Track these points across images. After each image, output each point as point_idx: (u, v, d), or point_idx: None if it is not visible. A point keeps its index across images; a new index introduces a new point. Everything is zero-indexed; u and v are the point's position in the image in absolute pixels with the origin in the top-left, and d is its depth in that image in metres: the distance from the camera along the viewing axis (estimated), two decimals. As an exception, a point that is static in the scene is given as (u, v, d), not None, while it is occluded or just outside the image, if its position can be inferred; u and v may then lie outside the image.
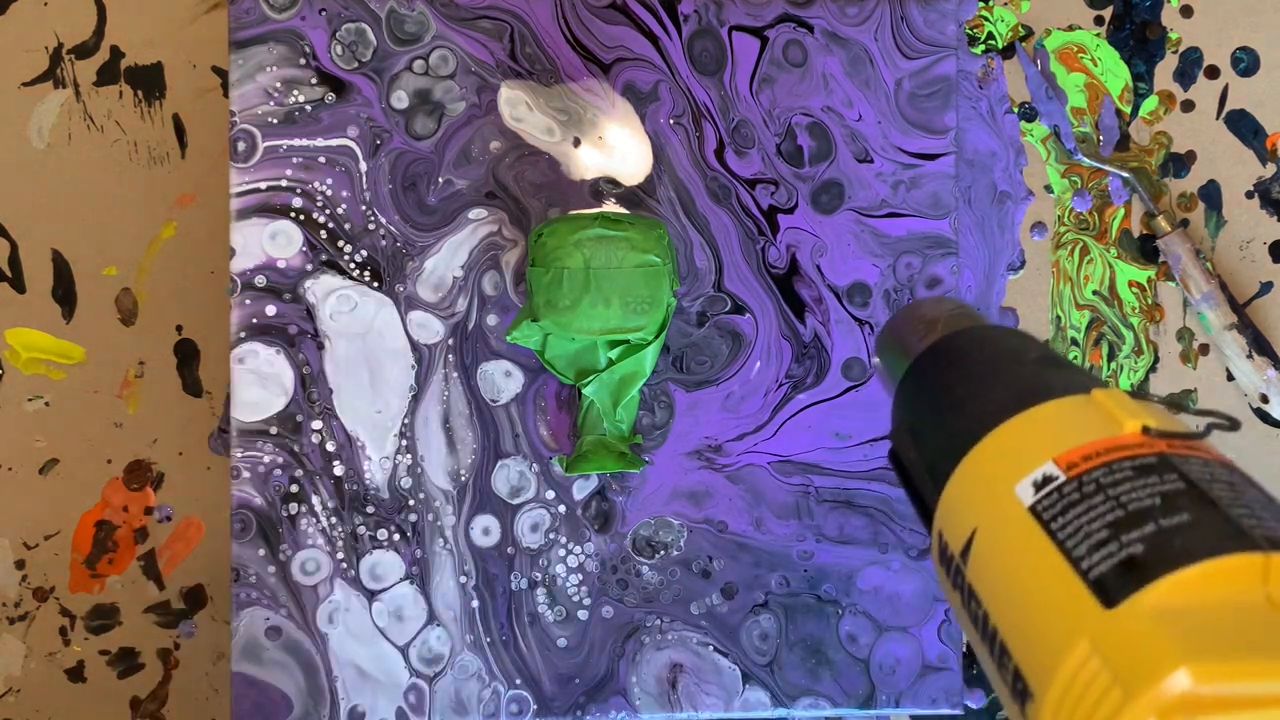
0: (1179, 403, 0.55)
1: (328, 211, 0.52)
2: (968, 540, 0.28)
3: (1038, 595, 0.25)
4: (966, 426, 0.30)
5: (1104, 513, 0.25)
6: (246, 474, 0.51)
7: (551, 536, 0.52)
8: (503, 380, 0.53)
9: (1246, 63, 0.56)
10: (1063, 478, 0.26)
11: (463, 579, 0.52)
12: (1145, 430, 0.27)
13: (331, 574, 0.52)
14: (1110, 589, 0.23)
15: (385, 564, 0.52)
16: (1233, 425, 0.28)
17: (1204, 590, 0.22)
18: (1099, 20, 0.56)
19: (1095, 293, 0.56)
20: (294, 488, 0.52)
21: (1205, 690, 0.20)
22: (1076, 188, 0.56)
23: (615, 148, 0.53)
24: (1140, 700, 0.20)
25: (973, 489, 0.29)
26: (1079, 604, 0.23)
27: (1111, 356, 0.56)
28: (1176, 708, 0.20)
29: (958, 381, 0.34)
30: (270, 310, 0.52)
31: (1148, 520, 0.24)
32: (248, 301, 0.52)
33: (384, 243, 0.52)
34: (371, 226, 0.52)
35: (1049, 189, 0.56)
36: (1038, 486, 0.27)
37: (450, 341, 0.52)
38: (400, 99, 0.53)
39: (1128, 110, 0.56)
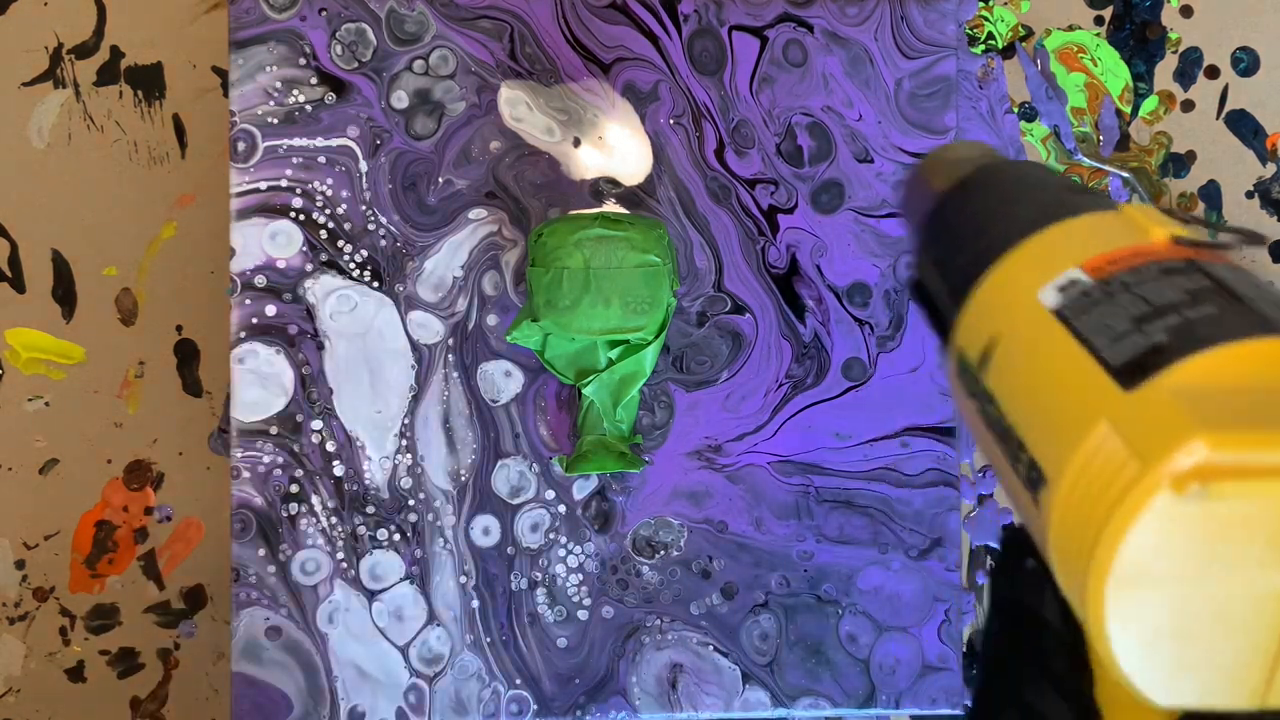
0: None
1: (328, 211, 0.52)
2: (986, 348, 0.28)
3: (1057, 387, 0.25)
4: (991, 245, 0.30)
5: (1128, 307, 0.24)
6: (246, 474, 0.51)
7: (551, 536, 0.52)
8: (503, 380, 0.53)
9: (1246, 63, 0.56)
10: (1088, 281, 0.26)
11: (463, 579, 0.52)
12: (1175, 240, 0.27)
13: (331, 574, 0.52)
14: (1131, 372, 0.23)
15: (385, 564, 0.52)
16: (1260, 240, 0.28)
17: (1226, 373, 0.22)
18: (1099, 20, 0.56)
19: (1095, 292, 0.56)
20: (294, 488, 0.52)
21: (1221, 459, 0.20)
22: (1076, 188, 0.56)
23: (615, 148, 0.53)
24: (1156, 470, 0.20)
25: (995, 299, 0.29)
26: (1099, 389, 0.23)
27: (1111, 356, 0.56)
28: (1192, 476, 0.20)
29: (984, 208, 0.33)
30: (270, 310, 0.52)
31: (1172, 312, 0.24)
32: (248, 301, 0.52)
33: (384, 243, 0.52)
34: (371, 226, 0.52)
35: (1049, 189, 0.56)
36: (1062, 290, 0.26)
37: (450, 341, 0.52)
38: (400, 99, 0.53)
39: (1128, 110, 0.56)
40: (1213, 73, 0.56)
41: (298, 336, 0.52)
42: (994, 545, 0.55)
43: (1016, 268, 0.29)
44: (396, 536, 0.52)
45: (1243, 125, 0.56)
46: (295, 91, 0.52)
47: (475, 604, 0.52)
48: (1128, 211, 0.28)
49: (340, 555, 0.52)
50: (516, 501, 0.52)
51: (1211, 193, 0.56)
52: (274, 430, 0.52)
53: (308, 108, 0.52)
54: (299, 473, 0.52)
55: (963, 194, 0.36)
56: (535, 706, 0.52)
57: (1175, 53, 0.56)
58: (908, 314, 0.53)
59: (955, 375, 0.30)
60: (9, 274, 0.54)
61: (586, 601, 0.52)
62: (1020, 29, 0.56)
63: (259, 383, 0.52)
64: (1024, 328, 0.27)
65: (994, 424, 0.27)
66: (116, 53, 0.54)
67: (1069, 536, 0.22)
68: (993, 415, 0.27)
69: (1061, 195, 0.31)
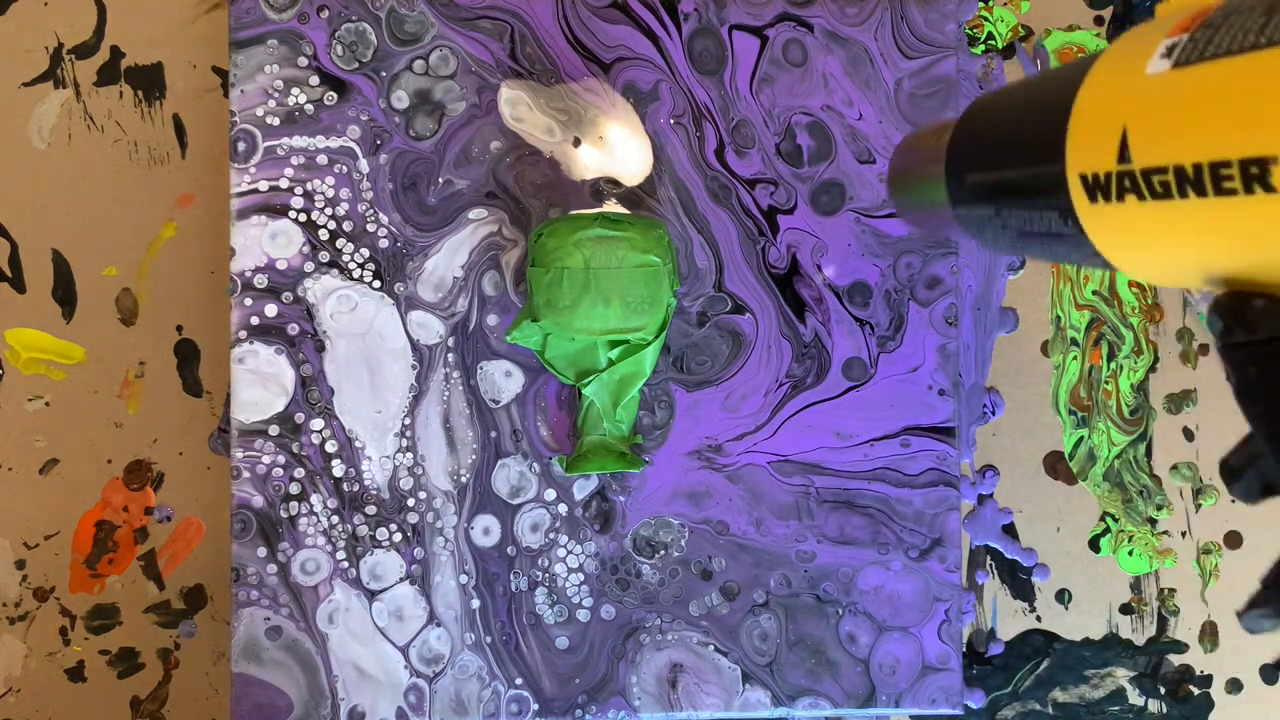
0: None
1: (328, 212, 0.52)
2: (1120, 143, 0.28)
3: (1241, 95, 0.25)
4: (1058, 92, 0.31)
5: (1247, 14, 0.25)
6: (246, 474, 0.51)
7: (551, 536, 0.52)
8: (503, 380, 0.53)
9: (1246, 63, 0.56)
10: (1187, 35, 0.27)
11: (463, 579, 0.52)
12: None
13: (331, 574, 0.52)
14: None
15: (385, 564, 0.52)
16: None
17: None
18: (1099, 20, 0.56)
19: (1095, 293, 0.56)
20: (294, 488, 0.52)
21: None
22: (1076, 188, 0.56)
23: (615, 148, 0.53)
24: None
25: (1098, 105, 0.29)
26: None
27: (1111, 356, 0.56)
28: None
29: (1022, 91, 0.34)
30: (270, 310, 0.52)
31: None
32: (248, 301, 0.52)
33: (384, 243, 0.52)
34: (371, 227, 0.52)
35: (1049, 189, 0.56)
36: (1169, 52, 0.27)
37: (450, 341, 0.52)
38: (400, 99, 0.53)
39: (1128, 110, 0.56)
40: (1213, 73, 0.56)
41: (298, 336, 0.52)
42: (994, 545, 0.55)
43: (1101, 83, 0.29)
44: (397, 536, 0.52)
45: (1243, 125, 0.56)
46: (295, 91, 0.52)
47: (475, 604, 0.52)
48: (1161, 8, 0.29)
49: (340, 555, 0.52)
50: (516, 501, 0.52)
51: (1211, 193, 0.56)
52: (274, 430, 0.52)
53: (308, 108, 0.52)
54: (299, 473, 0.52)
55: (979, 114, 0.37)
56: (535, 706, 0.52)
57: (1175, 53, 0.56)
58: (908, 314, 0.53)
59: (1085, 197, 0.30)
60: (9, 274, 0.54)
61: (586, 602, 0.52)
62: (1020, 29, 0.56)
63: (259, 383, 0.52)
64: (1156, 95, 0.27)
65: (1169, 186, 0.27)
66: (116, 53, 0.54)
67: None
68: (1163, 180, 0.27)
69: (1083, 55, 0.32)
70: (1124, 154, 0.28)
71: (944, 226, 0.40)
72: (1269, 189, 0.25)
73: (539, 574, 0.52)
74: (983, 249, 0.49)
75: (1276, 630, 0.32)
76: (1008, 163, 0.34)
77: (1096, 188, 0.30)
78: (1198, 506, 0.56)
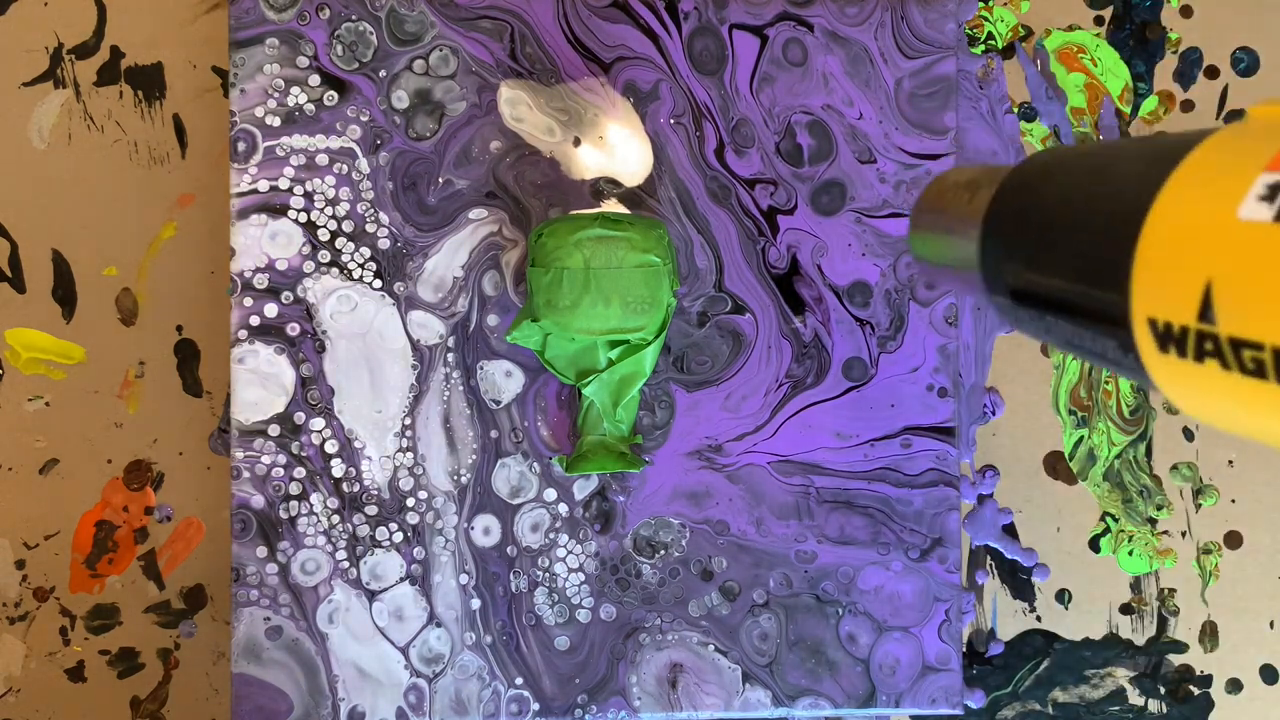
0: None
1: (328, 212, 0.52)
2: (1203, 298, 0.24)
3: None
4: (1122, 208, 0.26)
5: None
6: (246, 474, 0.51)
7: (551, 536, 0.52)
8: (503, 380, 0.53)
9: (1246, 63, 0.56)
10: None
11: (463, 579, 0.52)
12: None
13: (331, 574, 0.52)
14: None
15: (385, 564, 0.52)
16: None
17: None
18: (1099, 20, 0.56)
19: (1095, 293, 0.56)
20: (294, 488, 0.52)
21: None
22: (1076, 188, 0.56)
23: (615, 147, 0.53)
24: None
25: (1176, 244, 0.25)
26: None
27: (1111, 356, 0.56)
28: None
29: (1077, 180, 0.29)
30: (270, 310, 0.52)
31: None
32: (248, 301, 0.52)
33: (384, 243, 0.52)
34: (371, 227, 0.52)
35: (1049, 189, 0.56)
36: (1270, 195, 0.23)
37: (450, 341, 0.52)
38: (400, 99, 0.53)
39: (1128, 110, 0.56)
40: (1213, 73, 0.56)
41: (298, 337, 0.52)
42: (994, 545, 0.55)
43: (1179, 211, 0.25)
44: (397, 536, 0.52)
45: (1243, 125, 0.56)
46: (295, 91, 0.52)
47: (475, 604, 0.52)
48: (1258, 112, 0.25)
49: (340, 555, 0.52)
50: (516, 501, 0.52)
51: (1211, 193, 0.56)
52: (274, 430, 0.52)
53: (308, 108, 0.52)
54: (299, 473, 0.52)
55: (1028, 184, 0.32)
56: (535, 706, 0.52)
57: (1175, 53, 0.56)
58: (908, 314, 0.53)
59: (1157, 350, 0.26)
60: (9, 274, 0.54)
61: (587, 602, 0.52)
62: (1020, 29, 0.56)
63: (259, 383, 0.52)
64: (1250, 252, 0.23)
65: (1267, 366, 0.23)
66: (116, 53, 0.54)
67: None
68: (1259, 358, 0.23)
69: (1155, 141, 0.27)
70: (1206, 313, 0.24)
71: (977, 297, 0.35)
72: None
73: (539, 574, 0.52)
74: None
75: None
76: (1056, 272, 0.29)
77: (1169, 339, 0.25)
78: (1198, 506, 0.56)
